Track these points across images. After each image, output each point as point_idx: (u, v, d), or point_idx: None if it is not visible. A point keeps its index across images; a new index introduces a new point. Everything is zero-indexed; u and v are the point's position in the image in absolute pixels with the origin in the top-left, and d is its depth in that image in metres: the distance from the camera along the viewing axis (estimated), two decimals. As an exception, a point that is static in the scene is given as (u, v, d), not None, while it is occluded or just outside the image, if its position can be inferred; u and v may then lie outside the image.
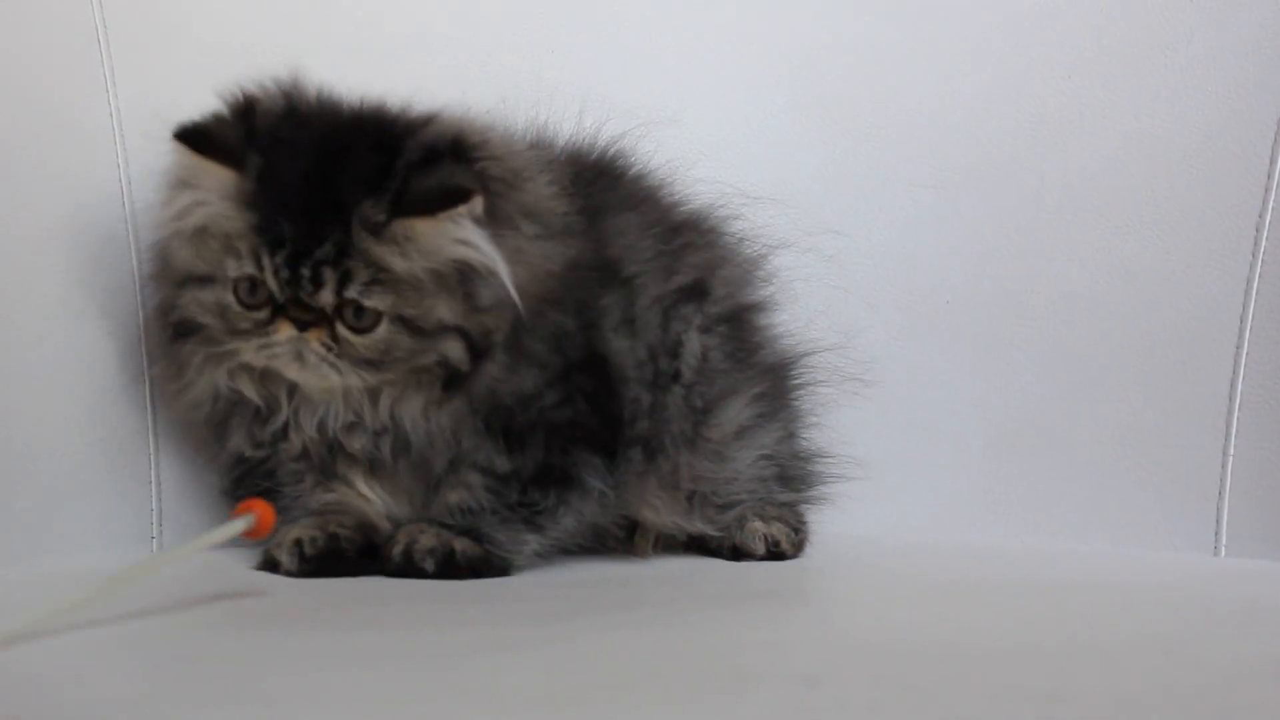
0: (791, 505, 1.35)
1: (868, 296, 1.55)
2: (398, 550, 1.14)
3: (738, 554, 1.29)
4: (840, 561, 1.33)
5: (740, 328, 1.32)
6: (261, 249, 1.09)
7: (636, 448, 1.22)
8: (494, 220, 1.11)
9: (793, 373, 1.40)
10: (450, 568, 1.13)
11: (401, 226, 1.09)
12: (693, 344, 1.26)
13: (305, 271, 1.08)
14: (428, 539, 1.14)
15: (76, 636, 0.84)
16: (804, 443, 1.41)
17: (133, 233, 1.30)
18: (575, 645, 0.86)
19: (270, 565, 1.14)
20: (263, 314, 1.11)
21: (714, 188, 1.40)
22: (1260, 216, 1.44)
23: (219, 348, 1.14)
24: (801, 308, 1.47)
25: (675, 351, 1.26)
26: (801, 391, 1.41)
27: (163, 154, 1.14)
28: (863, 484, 1.41)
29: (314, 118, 1.15)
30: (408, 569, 1.13)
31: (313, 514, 1.18)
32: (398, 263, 1.09)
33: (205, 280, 1.12)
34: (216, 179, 1.10)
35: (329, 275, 1.08)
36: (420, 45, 1.52)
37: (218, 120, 1.13)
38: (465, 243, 1.09)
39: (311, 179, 1.09)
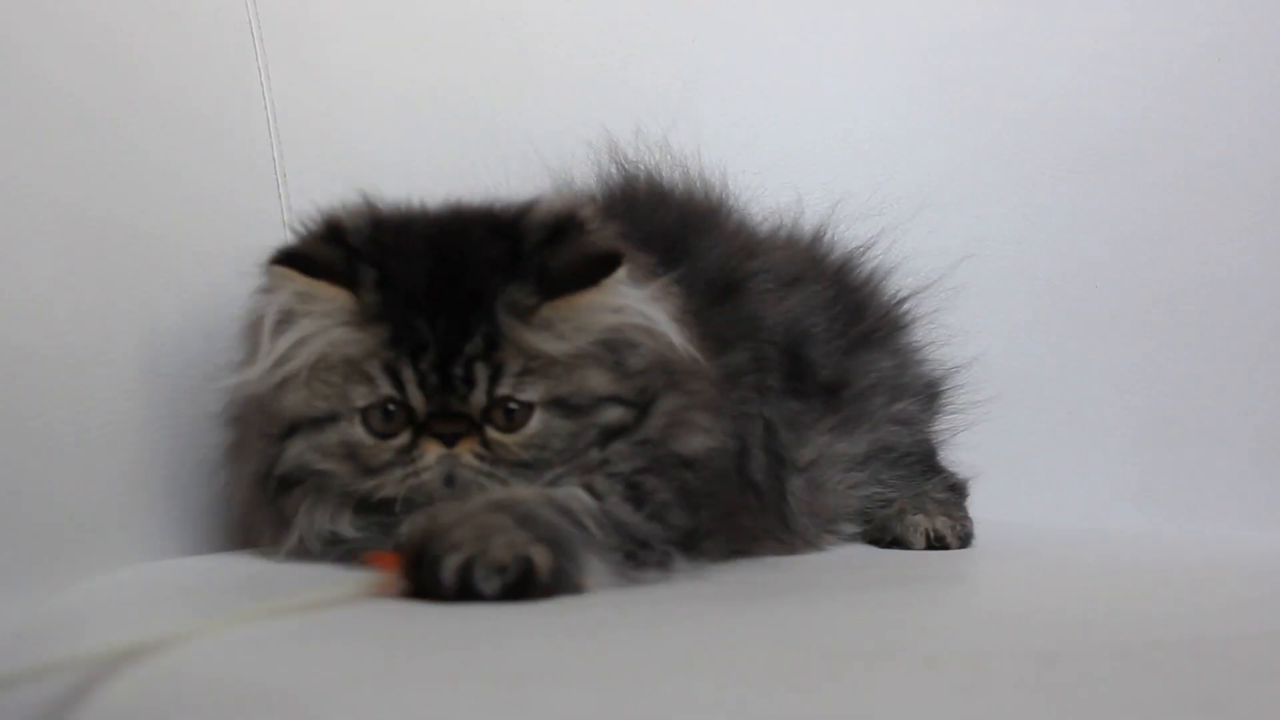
0: (955, 501, 1.32)
1: (1011, 285, 1.54)
2: None
3: (898, 545, 1.27)
4: (990, 545, 1.32)
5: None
6: (400, 361, 1.00)
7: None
8: (642, 279, 1.05)
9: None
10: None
11: (553, 309, 1.01)
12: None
13: (458, 371, 1.00)
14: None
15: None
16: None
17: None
18: (736, 623, 0.87)
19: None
20: (402, 439, 1.01)
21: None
22: None
23: (339, 487, 1.04)
24: (944, 297, 1.46)
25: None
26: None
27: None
28: (1011, 470, 1.40)
29: (409, 221, 1.08)
30: None
31: None
32: (553, 346, 1.01)
33: (324, 421, 1.02)
34: (331, 301, 1.01)
35: (481, 372, 1.00)
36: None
37: (313, 240, 1.06)
38: (624, 309, 1.03)
39: (438, 276, 1.02)
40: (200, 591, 1.01)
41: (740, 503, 1.14)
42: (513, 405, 1.01)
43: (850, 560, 1.20)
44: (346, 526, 1.04)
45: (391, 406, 1.01)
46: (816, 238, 1.39)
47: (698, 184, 1.33)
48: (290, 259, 1.02)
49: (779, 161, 1.50)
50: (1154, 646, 0.79)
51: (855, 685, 0.70)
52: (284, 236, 1.29)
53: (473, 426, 1.01)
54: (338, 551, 1.04)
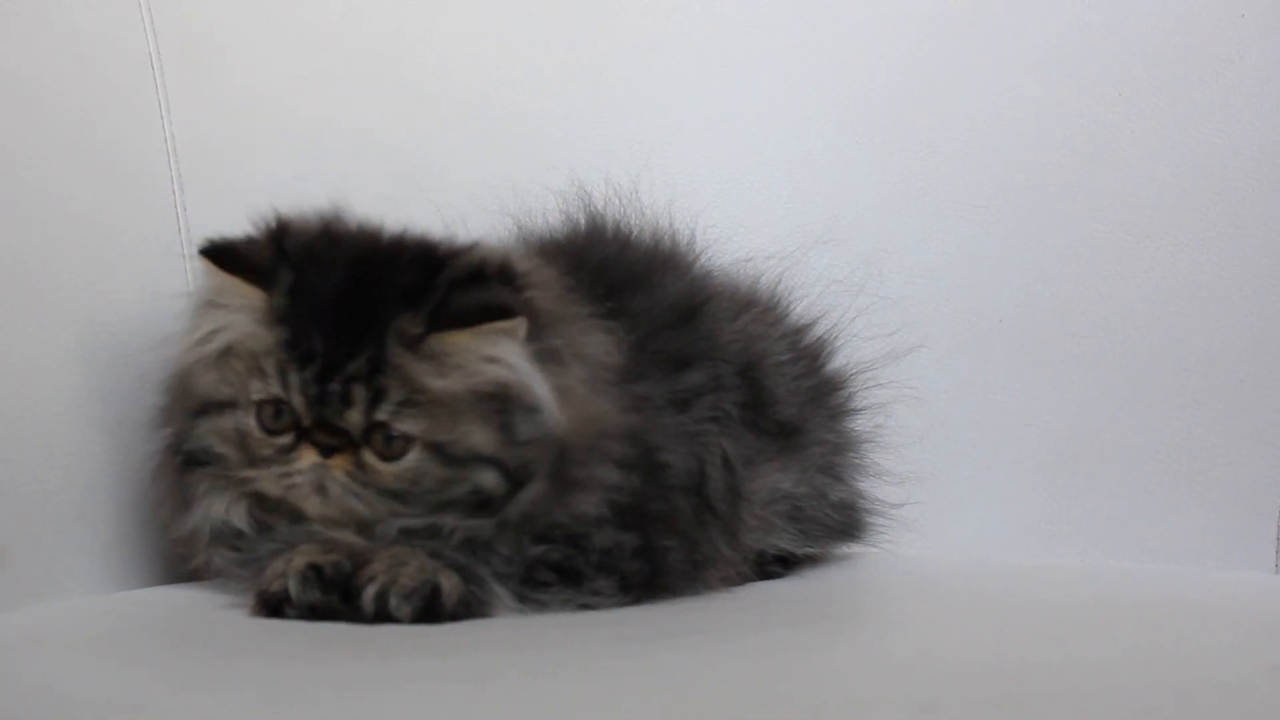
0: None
1: (921, 316, 1.54)
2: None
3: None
4: (894, 581, 1.32)
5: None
6: (290, 365, 1.03)
7: None
8: (541, 350, 1.06)
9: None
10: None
11: (439, 341, 1.03)
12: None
13: (335, 388, 1.02)
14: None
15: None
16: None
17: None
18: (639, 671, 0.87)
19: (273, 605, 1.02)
20: (286, 439, 1.05)
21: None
22: (1317, 233, 1.44)
23: (230, 474, 1.08)
24: (852, 328, 1.46)
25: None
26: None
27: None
28: (917, 504, 1.40)
29: (351, 238, 1.11)
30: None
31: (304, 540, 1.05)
32: (434, 382, 1.03)
33: (226, 406, 1.07)
34: (244, 298, 1.06)
35: (360, 393, 1.02)
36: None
37: (247, 240, 1.09)
38: (504, 363, 1.04)
39: (346, 293, 1.05)
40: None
41: (698, 525, 1.15)
42: (393, 434, 1.03)
43: (753, 600, 1.19)
44: (239, 517, 1.09)
45: (282, 406, 1.04)
46: (773, 296, 1.41)
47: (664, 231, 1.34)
48: (213, 252, 1.08)
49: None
50: (1036, 699, 0.79)
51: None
52: (183, 269, 1.28)
53: (351, 444, 1.04)
54: (226, 546, 1.10)
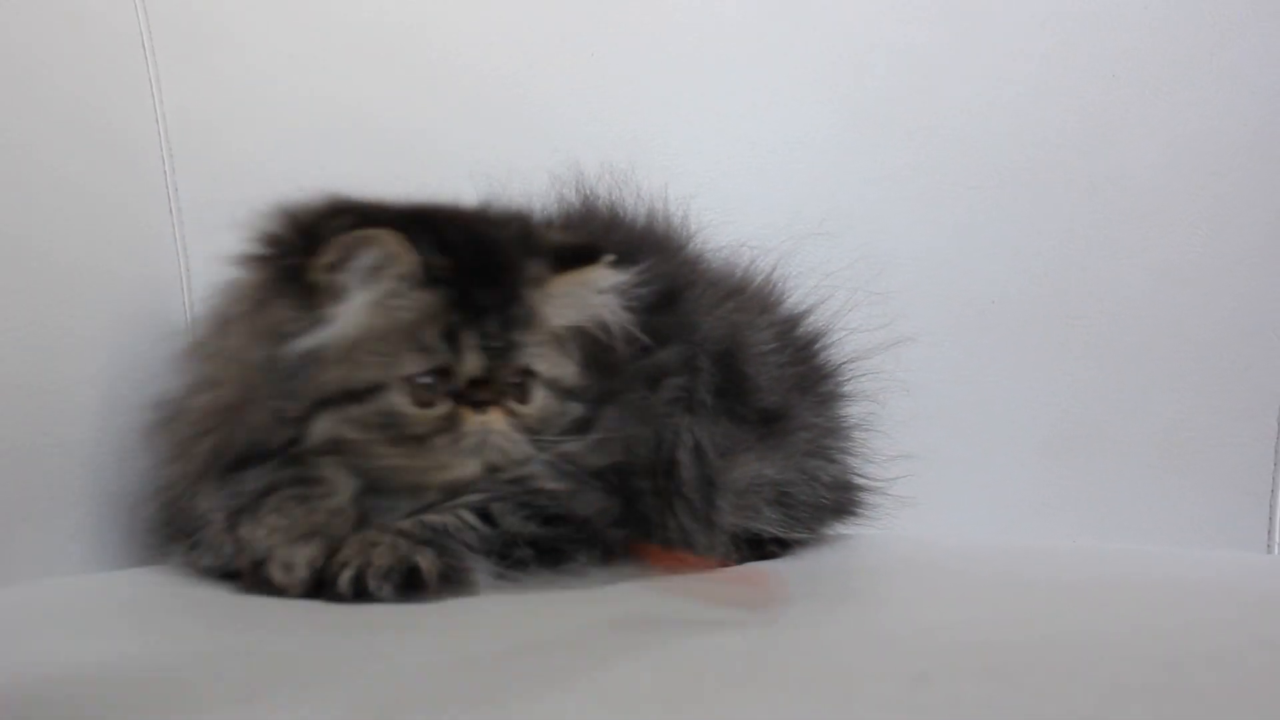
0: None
1: (914, 300, 1.54)
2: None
3: None
4: (887, 561, 1.32)
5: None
6: (462, 325, 1.02)
7: None
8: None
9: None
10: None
11: (560, 282, 1.08)
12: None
13: (515, 337, 1.05)
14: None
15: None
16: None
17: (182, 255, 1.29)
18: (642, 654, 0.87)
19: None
20: (442, 408, 1.03)
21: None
22: (1310, 214, 1.44)
23: (361, 460, 1.04)
24: (844, 313, 1.46)
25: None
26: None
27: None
28: (913, 486, 1.40)
29: (419, 207, 1.09)
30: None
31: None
32: (555, 319, 1.08)
33: (365, 393, 1.02)
34: (404, 265, 1.02)
35: (519, 339, 1.05)
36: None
37: (356, 211, 1.05)
38: (606, 294, 1.10)
39: (476, 247, 1.05)
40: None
41: (664, 509, 1.17)
42: (521, 379, 1.06)
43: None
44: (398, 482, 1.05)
45: (439, 375, 1.02)
46: (766, 285, 1.40)
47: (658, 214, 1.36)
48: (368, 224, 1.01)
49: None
50: (1028, 668, 0.79)
51: (720, 707, 0.70)
52: (175, 250, 1.28)
53: (497, 397, 1.05)
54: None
